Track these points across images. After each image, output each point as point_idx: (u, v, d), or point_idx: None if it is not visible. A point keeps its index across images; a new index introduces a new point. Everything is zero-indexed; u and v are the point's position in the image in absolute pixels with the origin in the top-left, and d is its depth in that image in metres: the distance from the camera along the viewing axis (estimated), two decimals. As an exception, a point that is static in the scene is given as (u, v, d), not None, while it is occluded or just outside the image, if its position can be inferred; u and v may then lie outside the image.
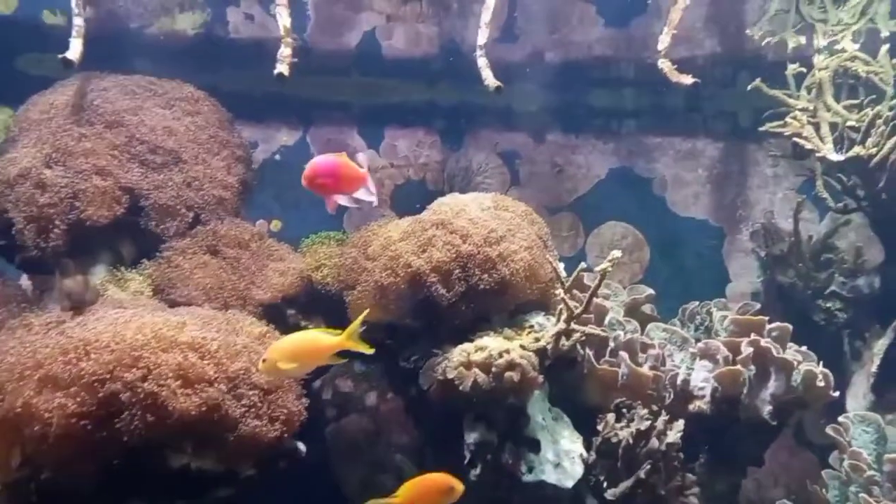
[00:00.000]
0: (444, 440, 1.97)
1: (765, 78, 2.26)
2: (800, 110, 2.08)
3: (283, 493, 1.81)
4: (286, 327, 1.88)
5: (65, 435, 1.26)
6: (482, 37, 2.15)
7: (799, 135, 2.04)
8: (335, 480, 2.26)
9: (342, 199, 1.49)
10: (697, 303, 2.20)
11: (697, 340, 1.93)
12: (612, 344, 1.88)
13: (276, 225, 2.70)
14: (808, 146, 2.01)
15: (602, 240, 2.77)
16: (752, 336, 1.67)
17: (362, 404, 2.47)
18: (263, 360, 1.31)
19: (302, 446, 1.55)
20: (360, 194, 1.50)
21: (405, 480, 2.32)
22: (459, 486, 1.42)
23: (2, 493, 1.41)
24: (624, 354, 1.78)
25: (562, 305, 1.62)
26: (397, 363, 2.01)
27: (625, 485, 1.59)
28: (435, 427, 2.05)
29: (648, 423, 1.61)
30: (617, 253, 1.43)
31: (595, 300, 1.75)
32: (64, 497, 1.37)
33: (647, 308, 2.20)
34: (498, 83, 2.05)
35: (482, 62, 2.13)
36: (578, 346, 1.76)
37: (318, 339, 1.36)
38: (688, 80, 2.00)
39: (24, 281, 1.86)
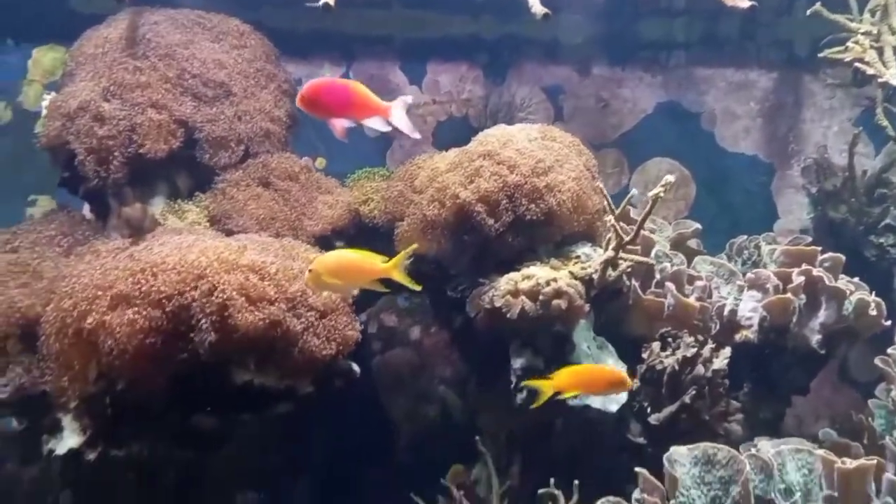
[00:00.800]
0: (488, 370, 2.02)
1: (824, 3, 2.16)
2: (862, 34, 2.00)
3: (338, 414, 1.91)
4: (336, 258, 1.92)
5: (135, 349, 1.34)
6: (528, -36, 2.09)
7: (861, 60, 1.96)
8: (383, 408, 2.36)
9: (347, 123, 1.45)
10: (745, 237, 2.17)
11: (745, 275, 1.92)
12: (658, 275, 1.89)
13: (320, 162, 2.73)
14: (870, 71, 1.94)
15: (647, 176, 2.73)
16: (804, 266, 1.66)
17: (406, 338, 2.54)
18: (310, 271, 1.33)
19: (356, 367, 1.61)
20: (372, 122, 1.43)
21: (448, 411, 2.41)
22: (628, 382, 1.45)
23: (79, 406, 1.52)
24: (670, 285, 1.79)
25: (611, 233, 1.63)
26: (443, 294, 2.05)
27: (669, 409, 1.62)
28: (479, 357, 2.10)
29: (694, 350, 1.62)
30: (670, 178, 1.42)
31: (642, 232, 1.75)
32: (136, 410, 1.47)
33: (692, 243, 2.19)
34: (546, 10, 2.01)
35: (529, -10, 2.07)
36: (624, 277, 1.77)
37: (364, 261, 1.36)
38: (744, 3, 1.92)
39: (87, 212, 1.94)
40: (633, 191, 1.58)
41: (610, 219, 1.57)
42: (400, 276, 1.37)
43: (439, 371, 2.46)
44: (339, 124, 1.44)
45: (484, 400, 2.06)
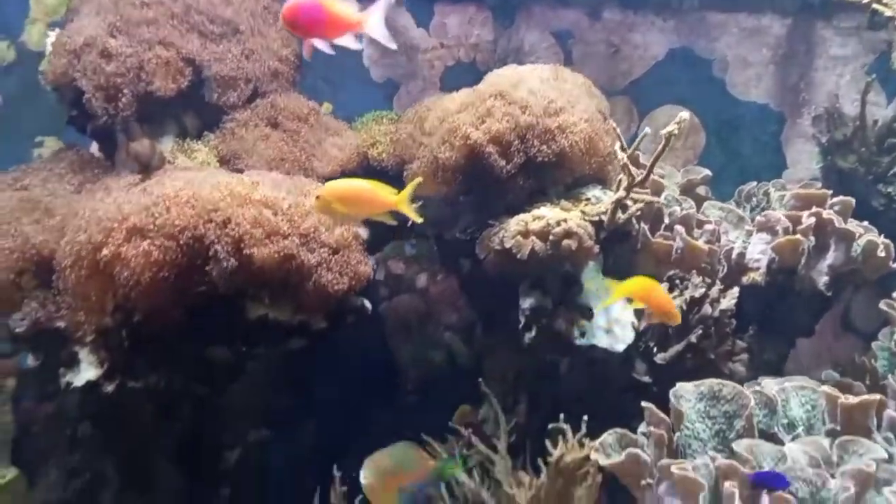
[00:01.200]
0: (496, 314, 2.05)
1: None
2: (882, -24, 1.96)
3: (347, 355, 1.94)
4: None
5: (151, 281, 1.35)
6: None
7: (878, 0, 1.92)
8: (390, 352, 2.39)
9: (322, 45, 1.37)
10: (755, 183, 2.17)
11: (753, 220, 1.92)
12: (667, 219, 1.89)
13: (326, 107, 2.70)
14: (888, 13, 1.90)
15: (657, 124, 2.70)
16: (814, 208, 1.66)
17: (413, 286, 2.56)
18: (317, 198, 1.31)
19: (368, 303, 1.63)
20: (345, 41, 1.35)
21: (454, 357, 2.44)
22: (679, 318, 1.47)
23: (96, 340, 1.55)
24: (680, 228, 1.79)
25: (622, 173, 1.62)
26: (451, 240, 2.06)
27: (675, 349, 1.64)
28: (487, 301, 2.12)
29: (703, 290, 1.64)
30: (684, 114, 1.41)
31: (652, 177, 1.74)
32: (152, 342, 1.49)
33: (701, 190, 2.19)
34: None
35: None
36: (634, 220, 1.78)
37: (374, 190, 1.34)
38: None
39: (95, 150, 1.94)
40: (646, 129, 1.57)
41: (623, 157, 1.56)
42: (407, 209, 1.36)
43: (445, 318, 2.48)
44: (308, 44, 1.37)
45: (491, 343, 2.09)
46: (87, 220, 1.44)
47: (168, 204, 1.40)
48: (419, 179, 1.38)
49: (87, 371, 1.55)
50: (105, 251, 1.36)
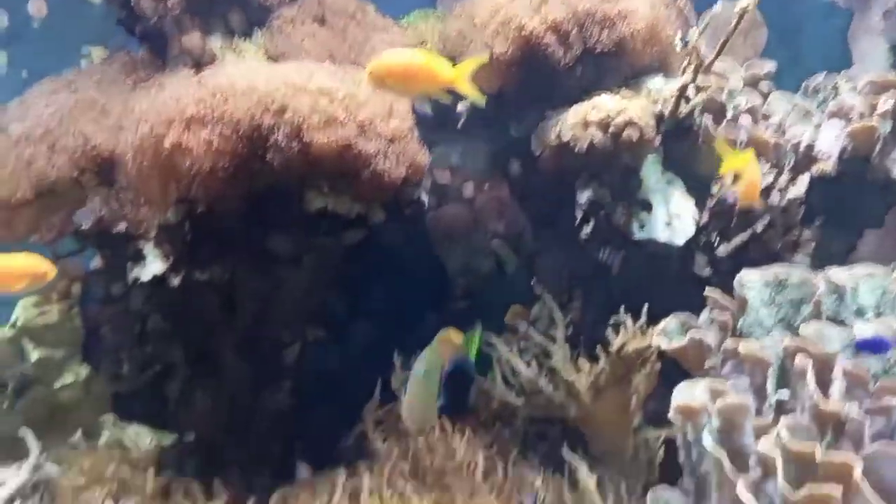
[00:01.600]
0: (547, 216, 2.02)
1: None
2: None
3: (401, 254, 1.96)
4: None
5: (212, 169, 1.36)
6: None
7: None
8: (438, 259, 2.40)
9: None
10: (822, 75, 2.05)
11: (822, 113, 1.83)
12: (730, 113, 1.81)
13: (369, 12, 2.63)
14: None
15: (716, 22, 2.56)
16: (892, 91, 1.57)
17: (459, 195, 2.53)
18: (370, 73, 1.22)
19: (425, 196, 1.62)
20: None
21: (502, 264, 2.43)
22: (756, 201, 1.47)
23: (160, 234, 1.58)
24: (745, 119, 1.72)
25: (686, 60, 1.55)
26: (500, 140, 2.03)
27: (739, 238, 1.60)
28: (537, 203, 2.09)
29: (770, 179, 1.58)
30: (764, -19, 1.32)
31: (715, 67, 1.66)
32: (215, 234, 1.52)
33: (764, 86, 2.09)
34: None
35: None
36: (696, 113, 1.71)
37: (431, 64, 1.22)
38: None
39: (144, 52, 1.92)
40: (717, 5, 1.48)
41: (692, 35, 1.48)
42: (466, 86, 1.26)
43: (492, 226, 2.46)
44: None
45: (543, 243, 2.08)
46: (146, 113, 1.44)
47: (225, 95, 1.39)
48: (483, 58, 1.32)
49: (152, 265, 1.59)
50: (166, 142, 1.37)
